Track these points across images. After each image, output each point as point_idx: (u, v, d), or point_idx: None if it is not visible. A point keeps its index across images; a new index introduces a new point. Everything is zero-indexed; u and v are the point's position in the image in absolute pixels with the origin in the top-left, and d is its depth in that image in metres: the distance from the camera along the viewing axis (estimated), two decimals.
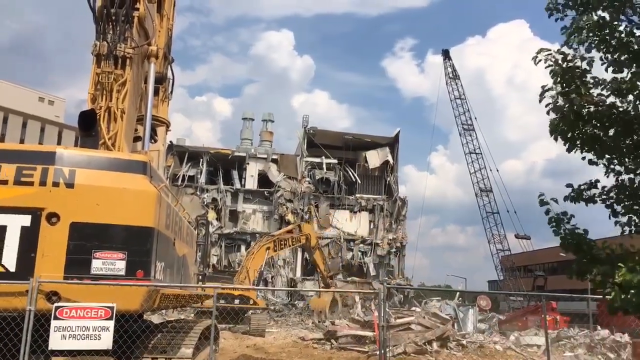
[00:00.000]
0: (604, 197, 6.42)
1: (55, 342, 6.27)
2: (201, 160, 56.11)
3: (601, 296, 6.25)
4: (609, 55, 6.11)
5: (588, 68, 6.15)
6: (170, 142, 50.21)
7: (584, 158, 6.41)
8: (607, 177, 6.45)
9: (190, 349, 7.22)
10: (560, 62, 6.07)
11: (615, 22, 6.10)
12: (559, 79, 6.02)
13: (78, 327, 6.26)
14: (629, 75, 6.00)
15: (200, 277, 12.28)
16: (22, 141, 55.29)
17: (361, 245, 56.37)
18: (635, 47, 6.01)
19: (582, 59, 6.13)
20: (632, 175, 6.31)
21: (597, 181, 6.45)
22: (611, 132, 6.20)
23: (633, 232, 6.25)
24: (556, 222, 6.28)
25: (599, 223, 7.19)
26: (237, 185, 56.31)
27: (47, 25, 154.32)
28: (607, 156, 6.35)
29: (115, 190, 6.83)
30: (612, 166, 6.40)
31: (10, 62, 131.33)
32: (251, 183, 56.54)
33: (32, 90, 75.48)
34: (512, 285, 52.07)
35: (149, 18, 9.71)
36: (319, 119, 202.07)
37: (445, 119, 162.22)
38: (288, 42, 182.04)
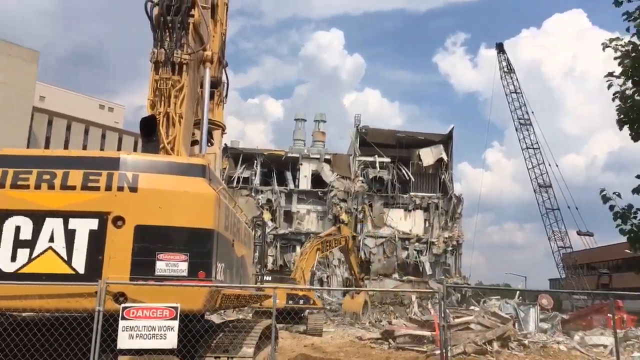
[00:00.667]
0: None
1: (123, 341, 6.42)
2: (255, 161, 56.90)
3: None
4: None
5: None
6: (225, 144, 51.05)
7: None
8: None
9: (252, 348, 7.28)
10: (630, 52, 5.83)
11: None
12: (629, 68, 5.79)
13: (144, 327, 6.40)
14: None
15: (258, 277, 12.42)
16: (84, 147, 57.23)
17: (416, 244, 55.79)
18: None
19: None
20: None
21: None
22: None
23: None
24: (622, 217, 6.04)
25: None
26: (291, 186, 56.81)
27: (106, 33, 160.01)
28: None
29: (176, 194, 6.94)
30: None
31: (73, 72, 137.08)
32: (305, 183, 56.93)
33: (93, 98, 78.70)
34: (574, 284, 50.23)
35: (203, 24, 9.87)
36: (370, 117, 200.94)
37: (500, 114, 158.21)
38: (338, 42, 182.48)
